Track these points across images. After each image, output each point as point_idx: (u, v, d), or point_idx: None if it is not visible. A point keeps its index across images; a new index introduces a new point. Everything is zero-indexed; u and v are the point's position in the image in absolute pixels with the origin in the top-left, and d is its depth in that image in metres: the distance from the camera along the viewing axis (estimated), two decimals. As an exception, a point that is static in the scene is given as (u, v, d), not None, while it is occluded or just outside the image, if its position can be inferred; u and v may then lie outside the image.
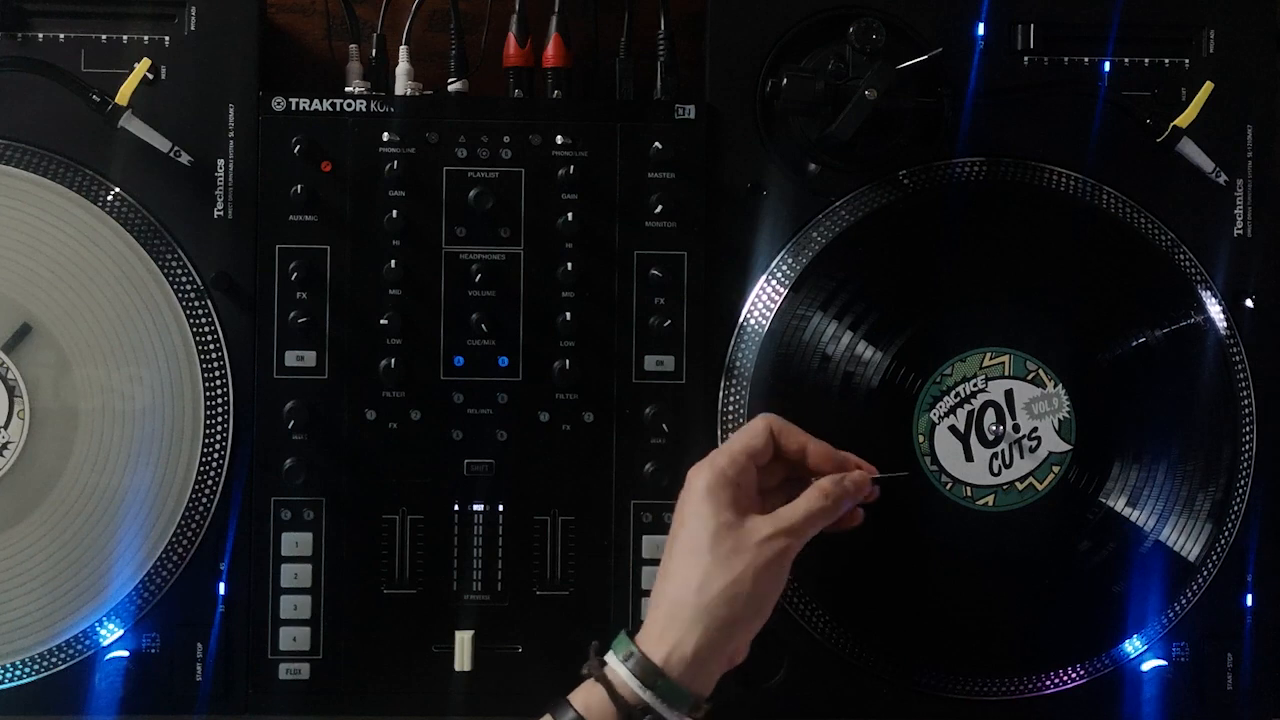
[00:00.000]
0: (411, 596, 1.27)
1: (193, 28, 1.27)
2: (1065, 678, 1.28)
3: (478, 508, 1.28)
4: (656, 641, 1.07)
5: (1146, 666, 1.29)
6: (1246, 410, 1.29)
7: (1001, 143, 1.30)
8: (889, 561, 1.27)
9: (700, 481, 1.10)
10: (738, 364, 1.28)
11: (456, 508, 1.28)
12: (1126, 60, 1.31)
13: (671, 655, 1.06)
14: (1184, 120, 1.27)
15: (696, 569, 1.08)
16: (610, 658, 1.08)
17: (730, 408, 1.28)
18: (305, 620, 1.26)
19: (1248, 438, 1.29)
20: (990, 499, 1.26)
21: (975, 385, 1.26)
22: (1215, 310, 1.29)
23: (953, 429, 1.26)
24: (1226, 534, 1.28)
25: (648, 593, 1.27)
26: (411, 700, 1.27)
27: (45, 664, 1.25)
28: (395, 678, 1.27)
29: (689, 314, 1.29)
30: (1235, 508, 1.28)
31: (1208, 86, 1.28)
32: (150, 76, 1.25)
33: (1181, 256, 1.29)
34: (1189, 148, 1.28)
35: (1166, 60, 1.31)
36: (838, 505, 1.12)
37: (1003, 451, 1.26)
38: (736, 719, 1.28)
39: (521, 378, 1.28)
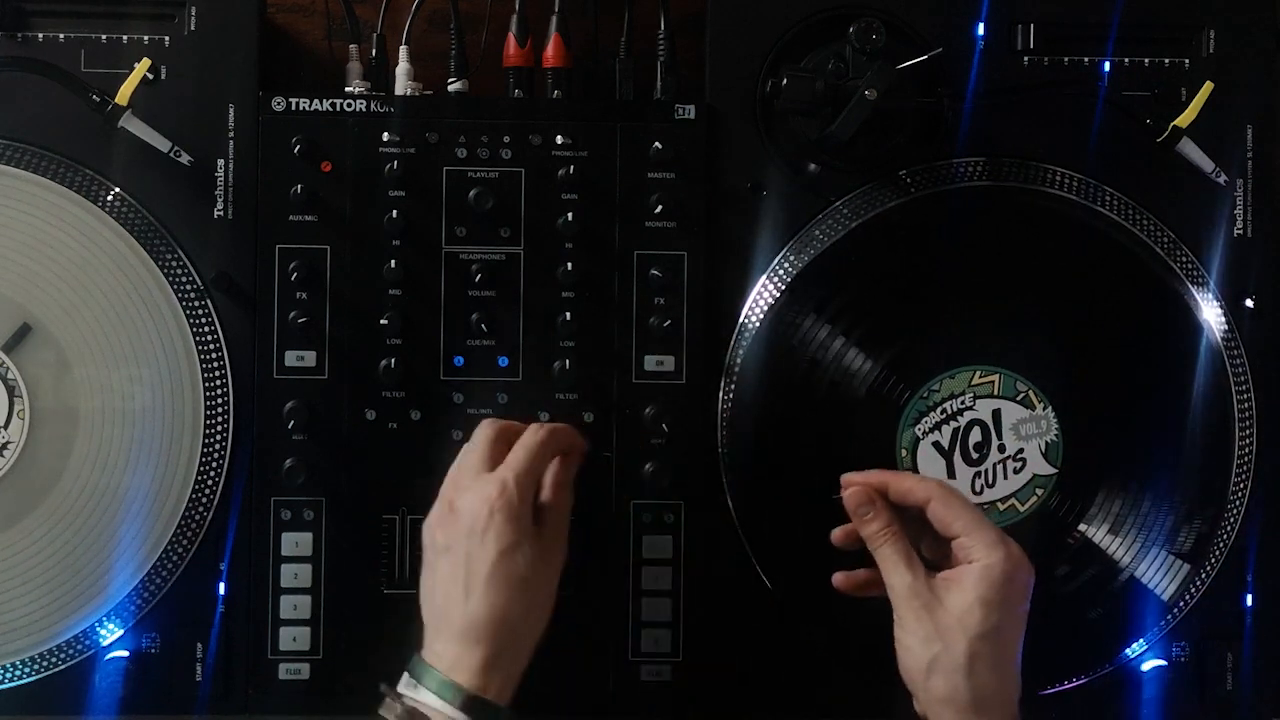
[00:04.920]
0: (412, 596, 1.27)
1: (193, 28, 1.27)
2: (1065, 679, 1.28)
3: (478, 508, 1.27)
4: (485, 679, 1.09)
5: (1146, 666, 1.29)
6: (1246, 410, 1.28)
7: (1001, 143, 1.30)
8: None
9: (511, 511, 1.11)
10: (738, 364, 1.28)
11: (456, 508, 1.27)
12: (1126, 60, 1.31)
13: (503, 689, 1.09)
14: (1184, 120, 1.27)
15: (520, 599, 1.10)
16: (433, 700, 1.08)
17: (730, 408, 1.28)
18: (305, 620, 1.26)
19: (1248, 438, 1.28)
20: None
21: (963, 403, 1.26)
22: (1215, 311, 1.29)
23: (936, 445, 1.26)
24: (1226, 534, 1.28)
25: (648, 593, 1.27)
26: (411, 700, 1.27)
27: (45, 664, 1.25)
28: (395, 678, 1.27)
29: (689, 314, 1.29)
30: (1221, 541, 1.27)
31: (1208, 86, 1.28)
32: (150, 76, 1.25)
33: (1182, 256, 1.29)
34: (1189, 148, 1.28)
35: (1166, 60, 1.31)
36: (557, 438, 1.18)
37: (986, 471, 1.26)
38: (736, 719, 1.28)
39: (521, 378, 1.28)
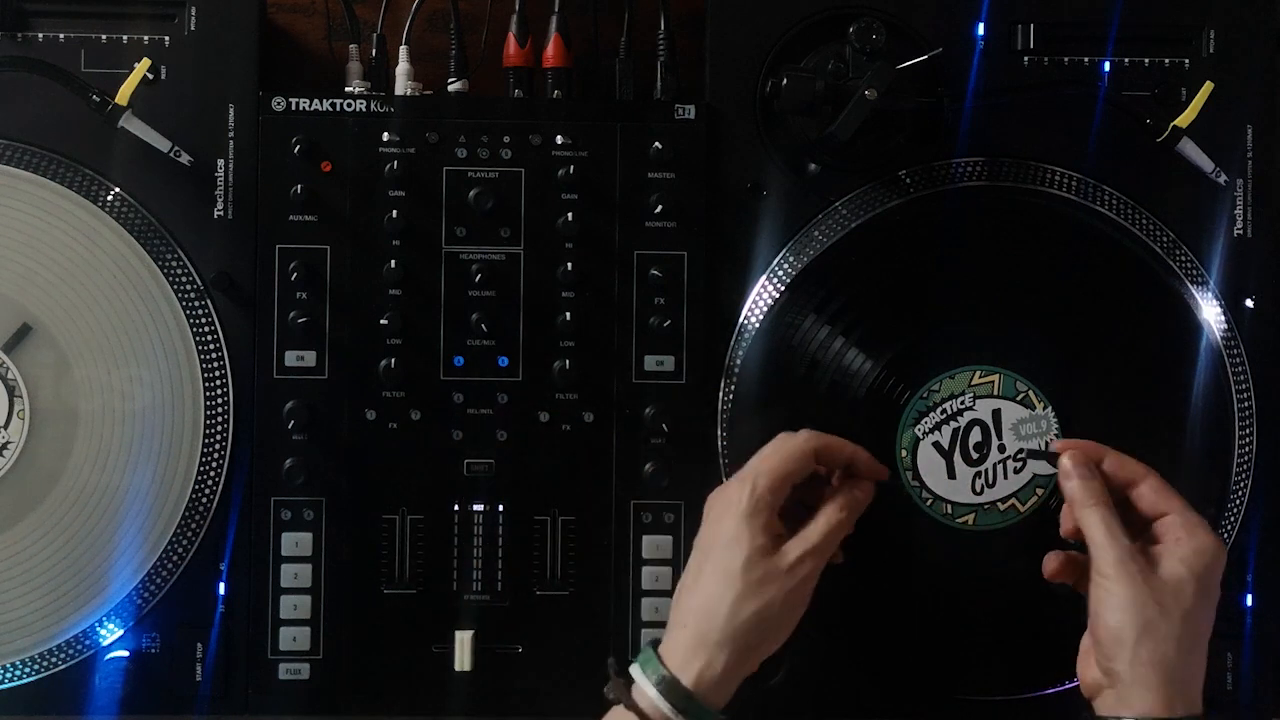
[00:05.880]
0: (411, 596, 1.27)
1: (193, 28, 1.27)
2: (1065, 679, 1.28)
3: (478, 508, 1.28)
4: (685, 662, 1.09)
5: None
6: (1246, 410, 1.28)
7: (1001, 143, 1.30)
8: (866, 574, 1.26)
9: (742, 505, 1.11)
10: (738, 364, 1.28)
11: (456, 508, 1.28)
12: (1126, 60, 1.31)
13: (702, 676, 1.08)
14: (1184, 120, 1.27)
15: (729, 592, 1.09)
16: (639, 677, 1.09)
17: (730, 408, 1.28)
18: (305, 620, 1.26)
19: (1248, 438, 1.28)
20: (970, 517, 1.26)
21: (963, 403, 1.26)
22: (1215, 311, 1.29)
23: (937, 445, 1.26)
24: (1226, 535, 1.28)
25: (648, 593, 1.27)
26: (411, 700, 1.27)
27: (45, 664, 1.25)
28: (395, 678, 1.27)
29: (689, 314, 1.29)
30: (1226, 532, 1.27)
31: (1208, 86, 1.28)
32: (150, 76, 1.25)
33: (1181, 256, 1.29)
34: (1189, 148, 1.28)
35: (1166, 60, 1.31)
36: (854, 516, 1.15)
37: (986, 471, 1.26)
38: (737, 719, 1.28)
39: (521, 378, 1.28)
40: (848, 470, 1.17)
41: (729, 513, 1.12)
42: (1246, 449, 1.29)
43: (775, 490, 1.12)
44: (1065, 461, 1.14)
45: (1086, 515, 1.11)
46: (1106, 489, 1.12)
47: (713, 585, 1.10)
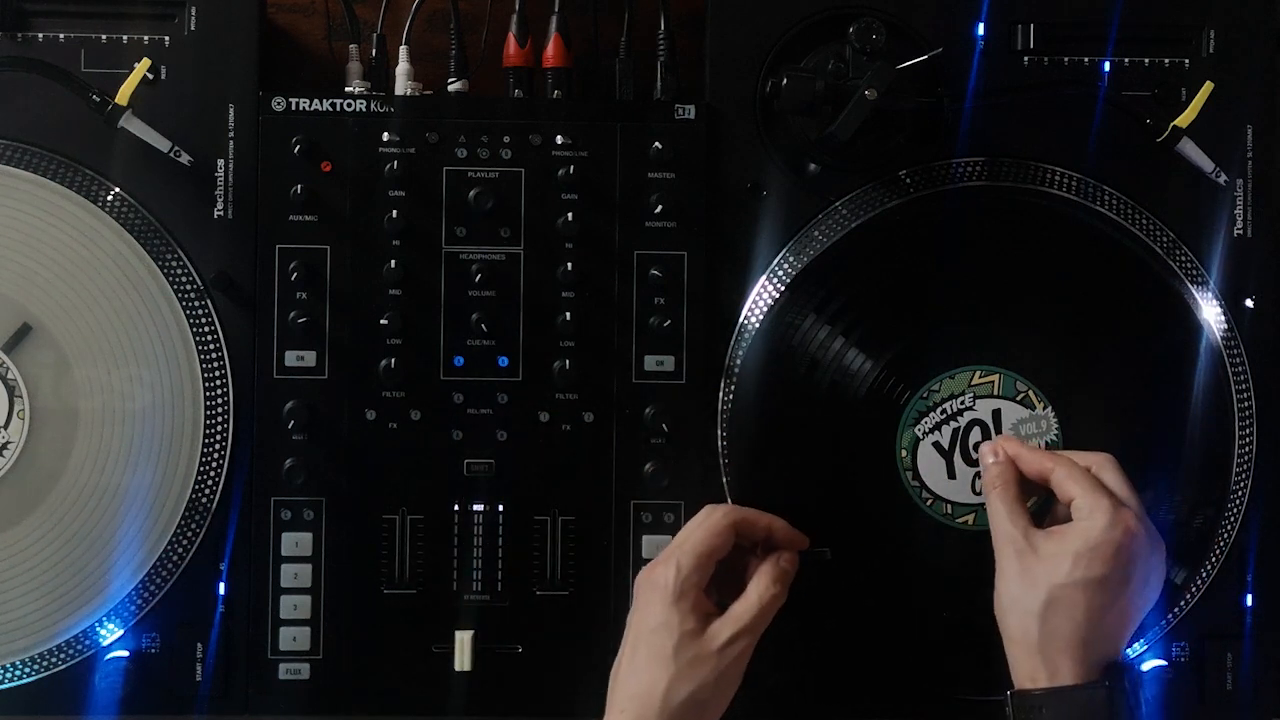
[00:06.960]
0: (411, 596, 1.27)
1: (193, 28, 1.27)
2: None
3: (478, 508, 1.28)
4: None
5: (1146, 666, 1.29)
6: (1246, 410, 1.28)
7: (1001, 143, 1.30)
8: (865, 574, 1.26)
9: (668, 590, 1.14)
10: (738, 364, 1.28)
11: (456, 508, 1.28)
12: (1126, 60, 1.31)
13: None
14: (1184, 120, 1.27)
15: (663, 676, 1.12)
16: None
17: (730, 408, 1.28)
18: (305, 620, 1.26)
19: (1248, 438, 1.28)
20: (970, 517, 1.26)
21: (963, 403, 1.26)
22: (1215, 311, 1.29)
23: (936, 445, 1.26)
24: (1226, 535, 1.28)
25: (648, 593, 1.28)
26: (411, 700, 1.27)
27: (45, 664, 1.25)
28: (395, 678, 1.27)
29: (689, 314, 1.29)
30: (1221, 540, 1.27)
31: (1208, 86, 1.28)
32: (150, 76, 1.25)
33: (1181, 256, 1.29)
34: (1189, 148, 1.28)
35: (1166, 60, 1.31)
36: (786, 589, 1.17)
37: None
38: (736, 719, 1.28)
39: (521, 378, 1.28)
40: (768, 542, 1.19)
41: (656, 597, 1.14)
42: (1246, 449, 1.29)
43: (700, 569, 1.15)
44: (982, 450, 1.20)
45: (987, 501, 1.17)
46: (1011, 476, 1.17)
47: (647, 671, 1.13)
